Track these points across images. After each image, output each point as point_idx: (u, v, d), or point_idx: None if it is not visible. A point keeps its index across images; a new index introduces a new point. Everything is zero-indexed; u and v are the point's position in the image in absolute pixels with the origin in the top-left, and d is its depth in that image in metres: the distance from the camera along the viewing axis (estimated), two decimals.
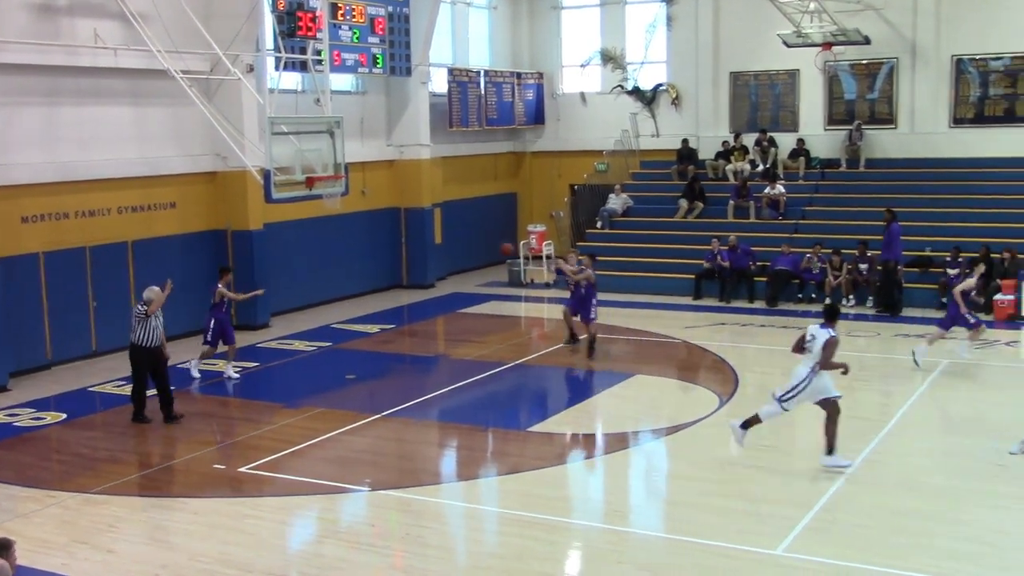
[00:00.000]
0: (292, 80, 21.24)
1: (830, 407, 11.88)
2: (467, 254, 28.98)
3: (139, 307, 14.32)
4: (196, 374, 16.81)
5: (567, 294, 19.08)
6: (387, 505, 11.25)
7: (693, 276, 23.84)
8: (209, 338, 16.80)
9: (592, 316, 18.12)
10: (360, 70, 22.94)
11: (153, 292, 14.31)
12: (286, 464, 12.67)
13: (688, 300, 23.43)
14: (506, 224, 30.81)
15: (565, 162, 30.69)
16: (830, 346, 11.76)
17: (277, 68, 18.69)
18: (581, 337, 18.16)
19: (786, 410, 11.86)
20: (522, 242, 27.73)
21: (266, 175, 17.01)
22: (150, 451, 13.53)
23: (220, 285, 16.80)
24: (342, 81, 24.31)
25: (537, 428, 14.18)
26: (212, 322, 16.75)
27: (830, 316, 12.31)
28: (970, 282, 17.00)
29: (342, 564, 9.63)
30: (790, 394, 11.80)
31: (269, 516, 11.03)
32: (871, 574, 9.09)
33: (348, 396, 15.96)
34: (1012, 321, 20.44)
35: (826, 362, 11.75)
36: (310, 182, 17.50)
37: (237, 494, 11.66)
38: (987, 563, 9.30)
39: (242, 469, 12.39)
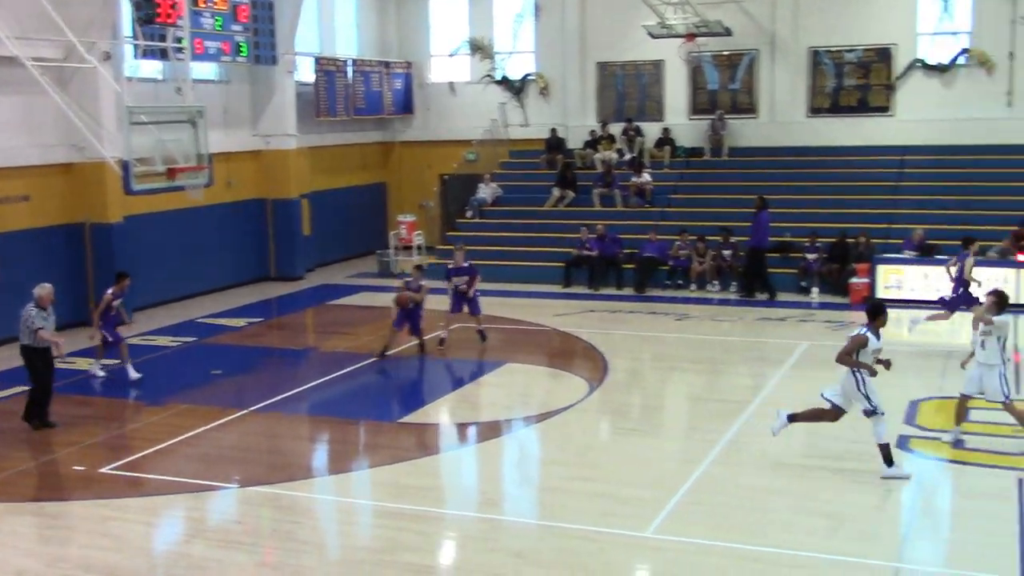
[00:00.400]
0: (152, 68, 20.64)
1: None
2: (336, 245, 28.68)
3: (30, 307, 13.49)
4: (101, 373, 16.24)
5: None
6: (256, 502, 11.06)
7: (562, 264, 24.08)
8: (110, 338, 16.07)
9: (479, 310, 18.23)
10: (223, 59, 22.41)
11: (44, 289, 13.64)
12: (151, 463, 12.34)
13: (558, 288, 23.66)
14: (376, 215, 30.61)
15: (435, 152, 30.62)
16: (851, 340, 11.34)
17: (136, 56, 18.15)
18: (389, 353, 17.40)
19: (881, 413, 11.28)
20: (392, 232, 27.58)
21: (125, 166, 16.51)
22: (4, 454, 13.00)
23: (111, 291, 15.96)
24: (204, 70, 23.71)
25: (409, 419, 14.15)
26: (103, 326, 16.01)
27: (870, 313, 11.75)
28: (969, 262, 17.41)
29: (210, 563, 9.44)
30: (871, 397, 11.23)
31: (133, 517, 10.73)
32: (734, 552, 9.35)
33: (215, 392, 15.63)
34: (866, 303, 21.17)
35: (840, 355, 11.33)
36: (172, 173, 17.03)
37: (99, 496, 11.30)
38: (837, 536, 9.66)
39: (104, 470, 12.01)
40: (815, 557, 9.18)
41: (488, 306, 21.15)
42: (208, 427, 13.55)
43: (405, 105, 30.70)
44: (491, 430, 13.59)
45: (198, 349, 18.58)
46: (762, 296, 21.89)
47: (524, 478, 11.99)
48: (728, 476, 11.36)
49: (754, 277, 22.15)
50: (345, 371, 16.52)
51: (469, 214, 27.42)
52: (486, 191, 27.51)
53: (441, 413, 14.62)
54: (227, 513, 10.96)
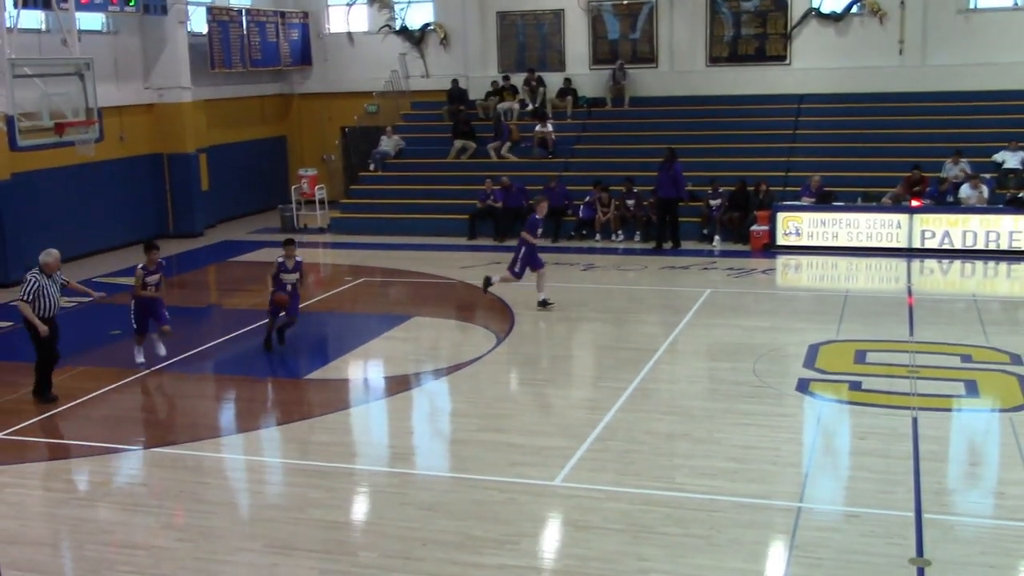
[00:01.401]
0: (34, 19, 19.85)
1: None
2: (237, 200, 28.16)
3: (33, 272, 12.61)
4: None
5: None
6: (162, 463, 10.87)
7: (467, 216, 24.01)
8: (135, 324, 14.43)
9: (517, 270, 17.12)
10: (110, 8, 21.69)
11: (51, 255, 12.73)
12: (50, 427, 12.04)
13: (463, 240, 23.59)
14: (276, 169, 30.10)
15: (335, 104, 30.16)
16: None
17: (16, 6, 17.41)
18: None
19: None
20: (293, 186, 27.17)
21: (9, 121, 15.92)
22: None
23: (141, 266, 14.23)
24: (91, 20, 22.91)
25: (316, 375, 14.02)
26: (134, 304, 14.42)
27: None
28: None
29: (116, 527, 9.26)
30: None
31: (33, 483, 10.46)
32: (642, 498, 9.50)
33: (114, 352, 15.26)
34: (767, 250, 21.63)
35: None
36: (60, 128, 16.50)
37: None
38: (740, 478, 9.88)
39: None
40: (720, 500, 9.38)
41: (393, 259, 21.11)
42: (108, 388, 13.26)
43: (303, 56, 30.13)
44: (399, 384, 13.54)
45: (95, 309, 18.09)
46: (667, 246, 22.12)
47: (434, 431, 11.99)
48: (635, 423, 11.51)
49: (665, 228, 22.28)
50: (249, 328, 16.27)
51: (372, 167, 27.13)
52: (388, 144, 27.23)
53: (348, 368, 14.52)
54: (131, 475, 10.75)
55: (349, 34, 30.09)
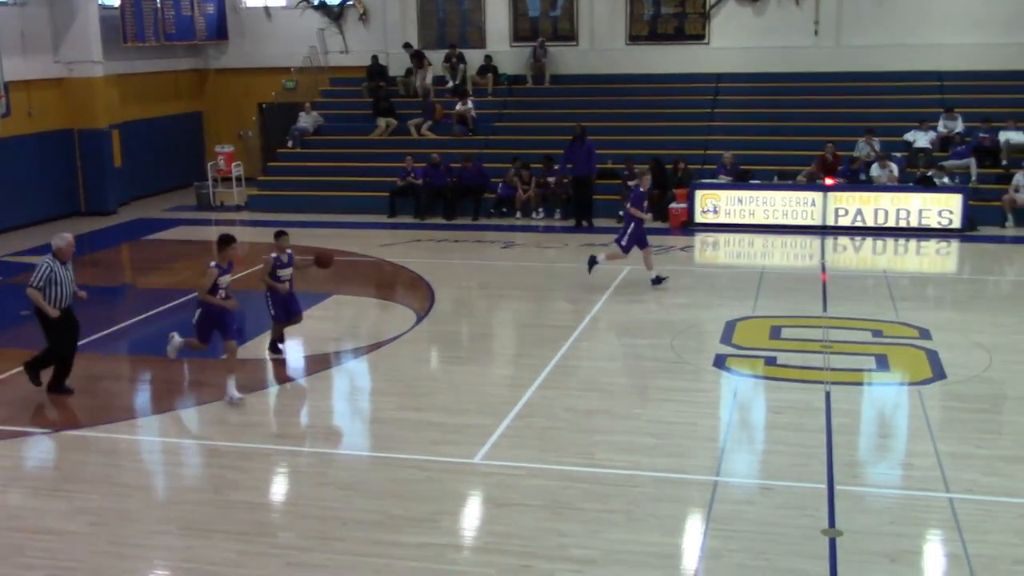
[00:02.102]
0: None
1: None
2: (151, 178, 27.60)
3: (45, 259, 11.70)
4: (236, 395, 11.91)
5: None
6: (75, 446, 10.65)
7: (387, 194, 23.84)
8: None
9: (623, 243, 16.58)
10: None
11: (64, 239, 11.75)
12: None
13: (383, 218, 23.45)
14: (192, 145, 29.55)
15: (252, 80, 29.66)
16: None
17: None
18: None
19: None
20: (210, 163, 26.71)
21: None
22: None
23: (214, 264, 12.00)
24: None
25: None
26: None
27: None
28: None
29: (27, 512, 9.06)
30: None
31: None
32: (561, 474, 9.57)
33: (24, 333, 14.86)
34: (685, 228, 21.86)
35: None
36: None
37: None
38: (658, 453, 10.01)
39: None
40: (638, 475, 9.49)
41: (313, 238, 20.82)
42: (18, 370, 12.92)
43: (219, 31, 29.58)
44: (319, 363, 13.44)
45: (4, 289, 17.64)
46: (585, 223, 22.22)
47: (354, 410, 11.93)
48: (555, 399, 11.58)
49: (581, 206, 22.37)
50: (165, 308, 16.00)
51: (290, 144, 26.79)
52: (307, 120, 26.90)
53: (266, 348, 14.32)
54: (43, 459, 10.52)
55: (266, 8, 29.62)
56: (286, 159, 26.49)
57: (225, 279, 12.03)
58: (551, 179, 23.09)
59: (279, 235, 13.21)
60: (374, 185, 24.35)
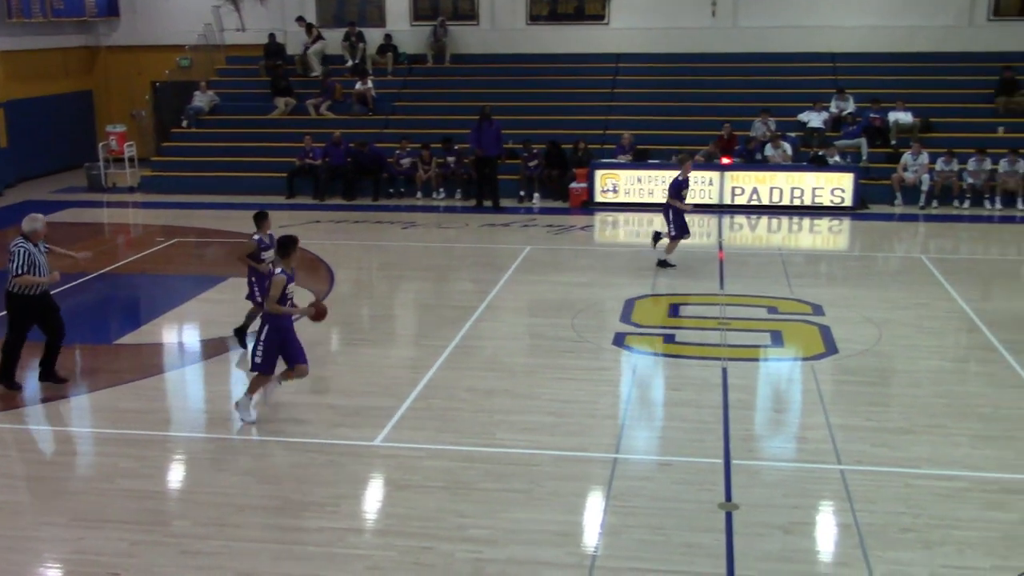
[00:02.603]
0: None
1: None
2: (40, 158, 26.75)
3: (18, 242, 11.18)
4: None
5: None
6: None
7: (285, 175, 23.49)
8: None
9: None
10: None
11: (37, 221, 11.33)
12: None
13: (281, 199, 23.10)
14: (82, 125, 28.69)
15: (145, 58, 28.91)
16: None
17: None
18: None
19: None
20: (101, 143, 25.98)
21: None
22: None
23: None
24: None
25: (126, 340, 13.52)
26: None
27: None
28: None
29: None
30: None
31: None
32: (461, 454, 9.56)
33: None
34: (585, 207, 21.99)
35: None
36: None
37: None
38: (558, 432, 10.07)
39: None
40: (539, 454, 9.53)
41: (208, 219, 20.49)
42: None
43: (110, 7, 28.73)
44: (215, 347, 13.18)
45: None
46: (488, 204, 22.20)
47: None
48: (456, 380, 11.56)
49: (486, 185, 22.30)
50: (54, 292, 15.47)
51: (185, 124, 26.22)
52: (202, 99, 26.34)
53: (161, 332, 14.04)
54: None
55: None
56: (181, 139, 25.92)
57: (268, 256, 11.96)
58: (451, 159, 22.99)
59: (262, 217, 12.50)
60: (272, 166, 23.97)
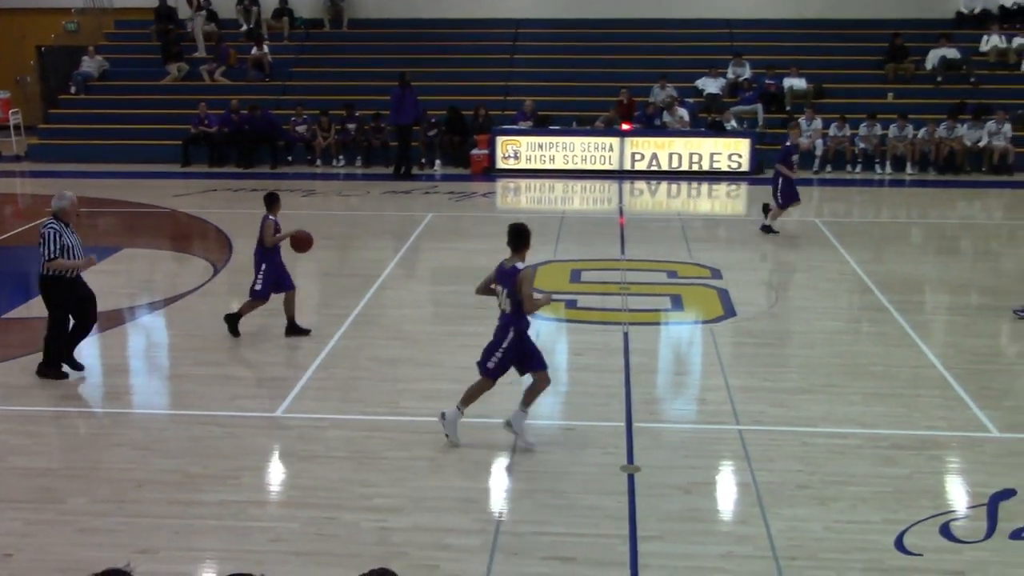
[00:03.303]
0: None
1: None
2: None
3: (49, 224, 10.33)
4: None
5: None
6: None
7: (180, 142, 22.94)
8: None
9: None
10: None
11: (66, 200, 10.51)
12: None
13: (176, 167, 22.57)
14: None
15: (29, 21, 27.91)
16: None
17: None
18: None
19: None
20: None
21: None
22: None
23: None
24: None
25: (13, 314, 13.09)
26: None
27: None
28: None
29: None
30: None
31: None
32: (365, 424, 9.49)
33: None
34: (487, 174, 21.95)
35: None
36: None
37: None
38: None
39: None
40: None
41: (100, 188, 19.91)
42: None
43: None
44: (110, 319, 12.80)
45: None
46: (404, 170, 21.83)
47: (150, 367, 11.46)
48: (359, 349, 11.47)
49: (404, 154, 22.00)
50: None
51: (73, 90, 25.40)
52: (91, 65, 25.53)
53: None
54: None
55: None
56: (69, 106, 25.11)
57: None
58: (350, 126, 22.71)
59: (274, 199, 11.94)
60: (166, 133, 23.39)
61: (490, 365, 9.01)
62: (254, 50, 25.26)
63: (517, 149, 22.14)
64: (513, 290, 8.79)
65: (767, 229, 16.77)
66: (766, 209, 17.01)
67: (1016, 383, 10.69)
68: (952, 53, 24.35)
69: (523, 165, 22.09)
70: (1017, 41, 24.72)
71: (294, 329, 11.91)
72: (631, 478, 8.42)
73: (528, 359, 9.00)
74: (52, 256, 10.34)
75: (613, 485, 8.31)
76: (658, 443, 9.15)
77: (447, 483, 8.36)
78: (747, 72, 24.25)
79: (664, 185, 21.20)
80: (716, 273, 14.44)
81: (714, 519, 7.94)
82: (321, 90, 24.37)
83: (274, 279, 11.74)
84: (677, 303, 13.17)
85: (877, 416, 9.66)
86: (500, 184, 21.43)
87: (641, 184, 21.25)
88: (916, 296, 13.62)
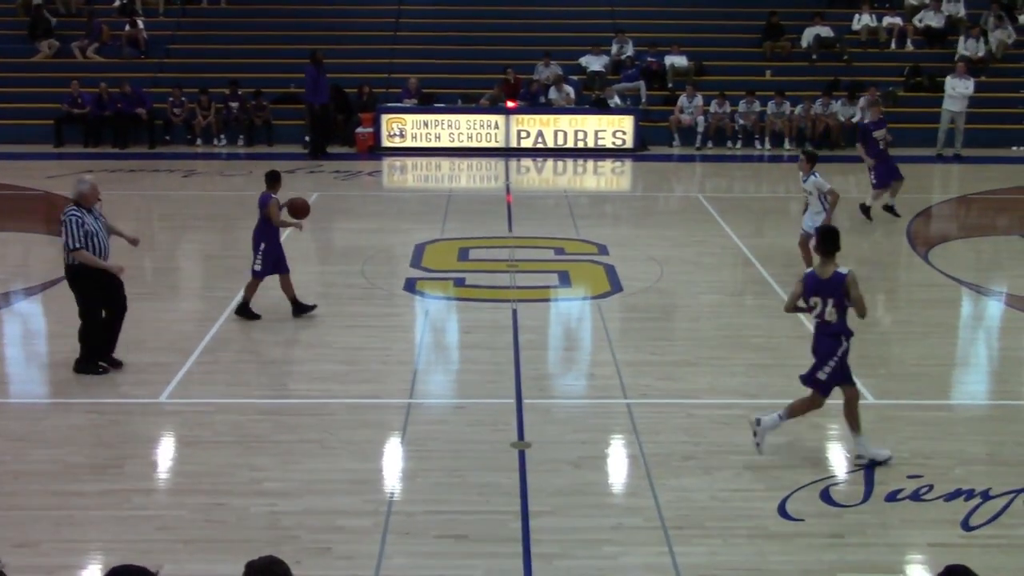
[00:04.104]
0: None
1: None
2: None
3: (70, 211, 9.81)
4: None
5: None
6: None
7: (52, 122, 22.17)
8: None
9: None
10: None
11: (85, 184, 9.95)
12: None
13: (49, 148, 21.82)
14: None
15: None
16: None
17: None
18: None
19: None
20: None
21: None
22: None
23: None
24: None
25: None
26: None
27: None
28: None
29: None
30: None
31: None
32: (252, 407, 9.35)
33: None
34: (372, 152, 21.77)
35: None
36: None
37: None
38: (351, 380, 10.00)
39: None
40: (331, 403, 9.43)
41: None
42: None
43: None
44: None
45: None
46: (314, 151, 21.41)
47: (26, 355, 11.10)
48: (244, 332, 11.29)
49: (321, 134, 21.56)
50: None
51: None
52: None
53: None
54: None
55: None
56: None
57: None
58: (233, 104, 22.24)
59: (276, 177, 11.80)
60: (37, 112, 22.58)
61: (822, 376, 8.25)
62: (128, 26, 24.51)
63: (402, 127, 22.00)
64: (841, 297, 8.16)
65: (889, 209, 16.31)
66: (865, 212, 16.28)
67: (891, 351, 11.09)
68: (826, 32, 25.01)
69: (409, 143, 21.97)
70: (887, 20, 25.52)
71: (300, 308, 11.73)
72: (522, 454, 8.48)
73: (846, 371, 8.31)
74: (76, 246, 9.85)
75: (504, 462, 8.35)
76: (548, 419, 9.22)
77: (337, 465, 8.30)
78: (630, 49, 24.50)
79: (550, 162, 21.33)
80: (603, 249, 14.59)
81: (604, 492, 8.05)
82: (200, 68, 23.79)
83: (273, 259, 11.58)
84: (565, 279, 13.28)
85: (759, 386, 9.91)
86: (386, 163, 21.28)
87: (528, 161, 21.34)
88: (796, 269, 13.97)
